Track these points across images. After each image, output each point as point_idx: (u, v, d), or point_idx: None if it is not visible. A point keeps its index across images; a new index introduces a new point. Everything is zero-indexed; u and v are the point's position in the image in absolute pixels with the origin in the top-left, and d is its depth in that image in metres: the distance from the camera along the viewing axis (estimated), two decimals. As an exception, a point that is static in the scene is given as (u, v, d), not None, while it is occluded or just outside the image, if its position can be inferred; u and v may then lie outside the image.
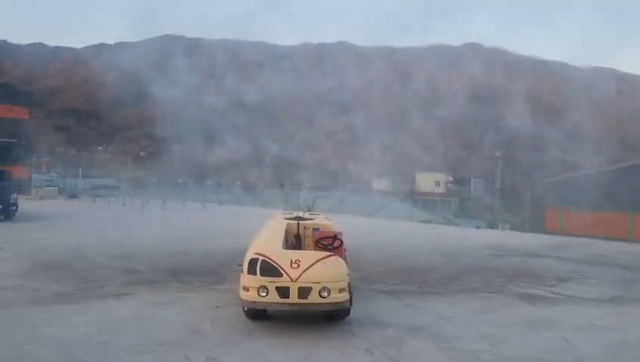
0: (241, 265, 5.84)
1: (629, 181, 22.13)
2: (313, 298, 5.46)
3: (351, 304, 5.90)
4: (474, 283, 8.77)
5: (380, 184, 57.30)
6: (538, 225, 22.41)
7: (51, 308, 6.56)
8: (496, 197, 31.67)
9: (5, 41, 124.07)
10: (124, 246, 12.09)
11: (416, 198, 33.78)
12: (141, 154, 48.37)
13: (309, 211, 10.18)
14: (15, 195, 17.95)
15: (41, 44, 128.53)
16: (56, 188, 35.55)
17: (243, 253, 6.11)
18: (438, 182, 57.59)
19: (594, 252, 13.56)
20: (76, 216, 21.26)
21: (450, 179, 59.23)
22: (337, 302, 5.57)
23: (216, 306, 6.78)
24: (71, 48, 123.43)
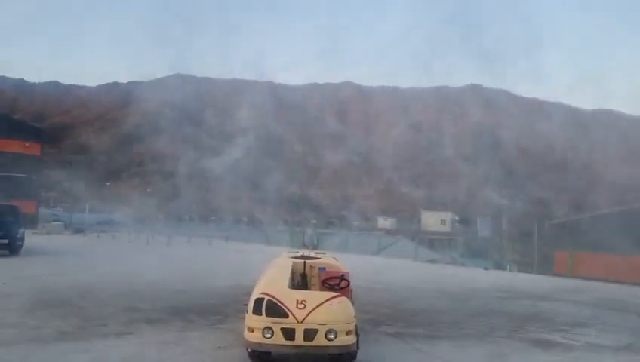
0: (246, 305, 5.75)
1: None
2: (319, 340, 5.32)
3: (358, 347, 5.74)
4: (483, 327, 8.53)
5: (385, 222, 57.09)
6: (547, 267, 21.99)
7: (52, 347, 6.45)
8: (503, 237, 31.31)
9: (22, 80, 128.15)
10: (127, 282, 11.99)
11: (421, 237, 33.44)
12: (147, 190, 48.70)
13: (314, 250, 10.11)
14: (22, 230, 18.06)
15: (55, 83, 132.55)
16: (63, 223, 35.68)
17: (247, 291, 6.03)
18: (444, 220, 57.24)
19: (607, 296, 13.22)
20: (81, 251, 21.23)
21: (456, 218, 58.86)
22: (344, 345, 5.42)
23: (220, 347, 6.63)
24: (84, 86, 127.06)
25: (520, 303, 11.48)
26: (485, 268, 21.49)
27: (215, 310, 9.11)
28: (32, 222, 31.44)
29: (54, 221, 36.47)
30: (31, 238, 21.27)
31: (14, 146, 35.72)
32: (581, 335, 8.24)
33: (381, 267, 18.56)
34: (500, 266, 25.32)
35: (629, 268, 17.86)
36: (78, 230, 33.96)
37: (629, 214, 22.90)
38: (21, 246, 17.93)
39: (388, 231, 47.48)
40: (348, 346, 5.47)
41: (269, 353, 5.66)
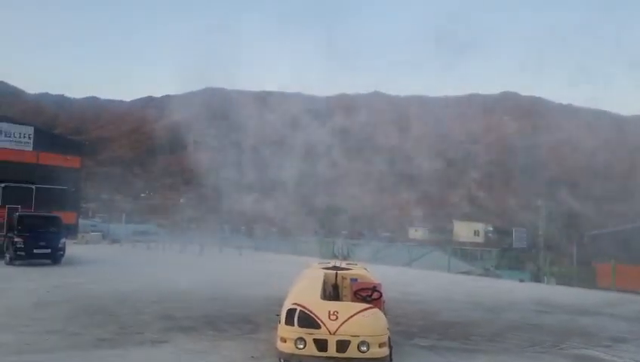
0: (278, 315, 5.78)
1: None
2: (352, 352, 5.28)
3: (391, 359, 5.66)
4: (521, 342, 8.25)
5: (416, 233, 56.27)
6: (587, 280, 21.11)
7: (91, 353, 6.66)
8: (540, 248, 30.28)
9: (62, 95, 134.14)
10: (162, 291, 12.26)
11: (454, 248, 32.76)
12: (181, 200, 49.81)
13: (345, 260, 10.07)
14: (64, 241, 18.81)
15: (93, 98, 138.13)
16: (101, 234, 36.90)
17: (278, 301, 6.06)
18: (477, 231, 55.94)
19: (652, 310, 12.57)
20: (118, 261, 21.87)
21: (490, 228, 57.43)
22: (377, 358, 5.35)
23: (253, 356, 6.67)
24: (120, 101, 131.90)
25: (559, 317, 11.04)
26: (521, 280, 20.80)
27: (247, 319, 9.19)
28: (72, 232, 32.64)
29: (93, 231, 37.79)
30: (71, 248, 22.07)
31: (56, 160, 37.30)
32: (625, 351, 7.86)
33: (413, 278, 18.28)
34: (536, 278, 24.45)
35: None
36: (115, 240, 35.02)
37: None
38: (62, 255, 18.65)
39: (419, 242, 46.78)
40: (381, 359, 5.40)
41: (301, 363, 5.65)
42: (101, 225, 44.98)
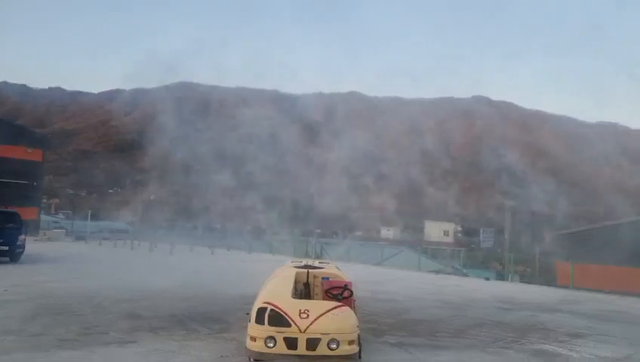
0: (248, 314, 5.78)
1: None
2: (322, 350, 5.35)
3: (360, 357, 5.75)
4: (484, 338, 8.53)
5: (388, 233, 57.03)
6: (548, 278, 21.93)
7: (52, 354, 6.46)
8: (505, 248, 31.22)
9: (25, 85, 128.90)
10: (129, 290, 12.02)
11: (424, 248, 33.38)
12: (151, 197, 48.80)
13: (318, 259, 10.15)
14: (23, 237, 18.09)
15: (59, 89, 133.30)
16: (64, 230, 35.75)
17: (250, 300, 6.06)
18: (447, 231, 57.18)
19: (607, 307, 13.18)
20: (82, 259, 21.28)
21: (459, 228, 58.79)
22: (347, 355, 5.44)
23: (222, 356, 6.65)
24: (88, 93, 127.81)
25: (521, 314, 11.46)
26: (487, 279, 21.44)
27: (218, 319, 9.13)
28: (33, 228, 31.47)
29: (55, 228, 36.57)
30: (32, 245, 21.33)
31: (17, 152, 35.77)
32: (580, 346, 8.23)
33: (384, 277, 18.54)
34: (501, 277, 25.23)
35: (629, 280, 17.83)
36: (80, 237, 34.01)
37: (629, 226, 22.88)
38: (21, 253, 17.97)
39: (391, 241, 47.41)
40: (350, 356, 5.49)
41: (270, 362, 5.68)
42: (65, 222, 43.61)
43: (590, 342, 8.64)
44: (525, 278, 24.38)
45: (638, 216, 24.52)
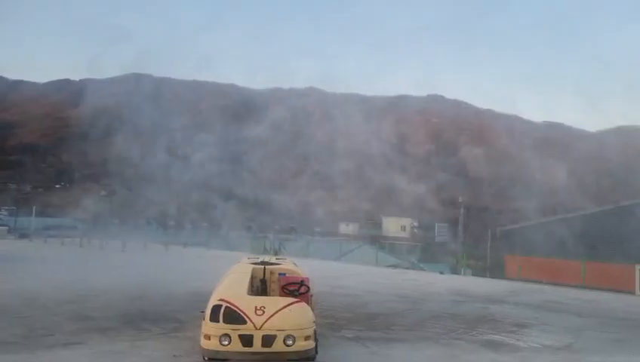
0: (203, 312, 5.66)
1: (583, 229, 23.15)
2: (278, 346, 5.32)
3: (316, 352, 5.77)
4: (438, 330, 8.80)
5: (347, 228, 57.59)
6: (498, 271, 22.89)
7: (-8, 359, 6.09)
8: (459, 243, 32.33)
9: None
10: (76, 290, 11.50)
11: (382, 243, 33.99)
12: (101, 193, 46.88)
13: (276, 255, 10.10)
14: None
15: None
16: (6, 228, 33.77)
17: (206, 298, 5.94)
18: (404, 226, 58.42)
19: (550, 298, 13.93)
20: (26, 257, 20.16)
21: (416, 224, 60.21)
22: (302, 351, 5.43)
23: (175, 355, 6.49)
24: (32, 83, 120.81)
25: (472, 306, 11.90)
26: (441, 273, 22.10)
27: (171, 317, 8.90)
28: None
29: (-3, 225, 34.42)
30: (-29, 243, 19.99)
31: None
32: (526, 336, 8.67)
33: (342, 272, 18.71)
34: (455, 271, 26.10)
35: (568, 271, 18.94)
36: (24, 235, 32.22)
37: (569, 221, 24.27)
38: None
39: (350, 237, 47.94)
40: (306, 351, 5.49)
41: (226, 360, 5.58)
42: (7, 219, 41.10)
43: (535, 331, 9.10)
44: (477, 272, 25.35)
45: (577, 213, 26.00)
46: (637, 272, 17.18)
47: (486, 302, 12.67)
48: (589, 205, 26.72)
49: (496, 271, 23.23)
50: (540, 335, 8.78)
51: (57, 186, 70.81)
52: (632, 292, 16.63)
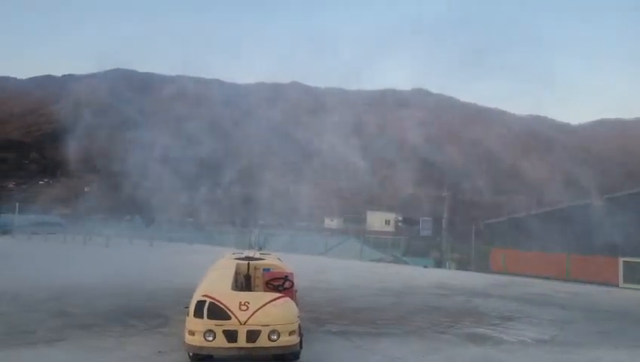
0: (187, 308, 5.64)
1: (567, 221, 23.53)
2: (262, 341, 5.33)
3: (301, 347, 5.80)
4: (422, 323, 8.89)
5: (331, 222, 57.74)
6: (483, 265, 23.21)
7: (-28, 358, 6.00)
8: (443, 237, 32.65)
9: None
10: (59, 287, 11.34)
11: (367, 237, 34.15)
12: (85, 189, 46.21)
13: (260, 250, 10.08)
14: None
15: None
16: (-13, 224, 33.02)
17: (190, 294, 5.92)
18: (389, 221, 58.79)
19: (534, 291, 14.17)
20: (7, 254, 19.79)
21: (400, 218, 60.62)
22: (287, 346, 5.46)
23: (160, 351, 6.46)
24: (14, 78, 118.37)
25: (456, 299, 12.05)
26: (425, 266, 22.32)
27: (156, 313, 8.85)
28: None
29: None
30: (-50, 241, 19.55)
31: None
32: (510, 329, 8.80)
33: (327, 267, 18.77)
34: (439, 264, 26.39)
35: (553, 264, 19.28)
36: (6, 231, 31.62)
37: (553, 214, 24.66)
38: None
39: (334, 231, 48.07)
40: (291, 346, 5.52)
41: (210, 356, 5.58)
42: (-11, 216, 40.22)
43: (519, 324, 9.25)
44: (462, 265, 25.66)
45: (562, 205, 26.43)
46: (620, 265, 17.57)
47: (470, 295, 12.84)
48: (572, 198, 27.17)
49: (480, 264, 23.54)
50: (524, 327, 8.92)
51: (41, 182, 69.65)
52: (615, 285, 17.00)
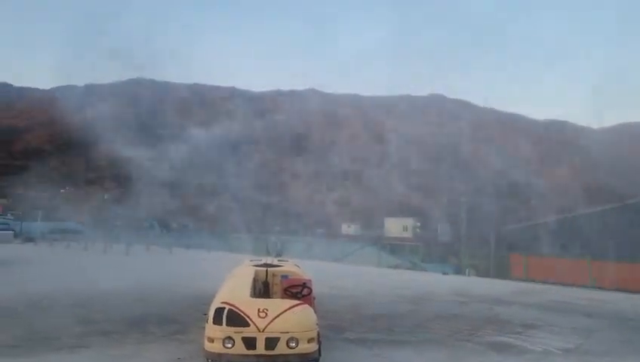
0: (206, 314, 5.66)
1: (589, 228, 22.99)
2: (281, 349, 5.30)
3: (320, 354, 5.74)
4: (442, 331, 8.74)
5: (348, 229, 57.54)
6: (503, 271, 22.78)
7: (-3, 363, 6.11)
8: (461, 243, 32.19)
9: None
10: (81, 293, 11.52)
11: (384, 243, 33.90)
12: (105, 196, 47.04)
13: (278, 257, 10.08)
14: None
15: (5, 84, 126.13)
16: (12, 232, 33.90)
17: (208, 300, 5.93)
18: (406, 226, 58.29)
19: (557, 298, 13.82)
20: (31, 261, 20.24)
21: (418, 224, 60.03)
22: (306, 353, 5.42)
23: (179, 358, 6.48)
24: (37, 89, 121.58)
25: (477, 307, 11.82)
26: (444, 273, 22.01)
27: (174, 320, 8.90)
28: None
29: (3, 229, 34.56)
30: (-24, 248, 20.07)
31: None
32: (533, 337, 8.57)
33: (344, 273, 18.67)
34: (458, 271, 25.99)
35: (576, 271, 18.80)
36: (29, 239, 32.35)
37: (575, 221, 24.14)
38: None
39: (352, 238, 47.87)
40: (310, 354, 5.47)
41: (229, 363, 5.56)
42: (13, 223, 41.24)
43: (542, 332, 9.00)
44: (481, 272, 25.22)
45: (584, 210, 25.89)
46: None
47: (491, 302, 12.58)
48: (594, 203, 26.57)
49: (500, 271, 23.12)
50: (547, 336, 8.67)
51: (62, 191, 71.14)
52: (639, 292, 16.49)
